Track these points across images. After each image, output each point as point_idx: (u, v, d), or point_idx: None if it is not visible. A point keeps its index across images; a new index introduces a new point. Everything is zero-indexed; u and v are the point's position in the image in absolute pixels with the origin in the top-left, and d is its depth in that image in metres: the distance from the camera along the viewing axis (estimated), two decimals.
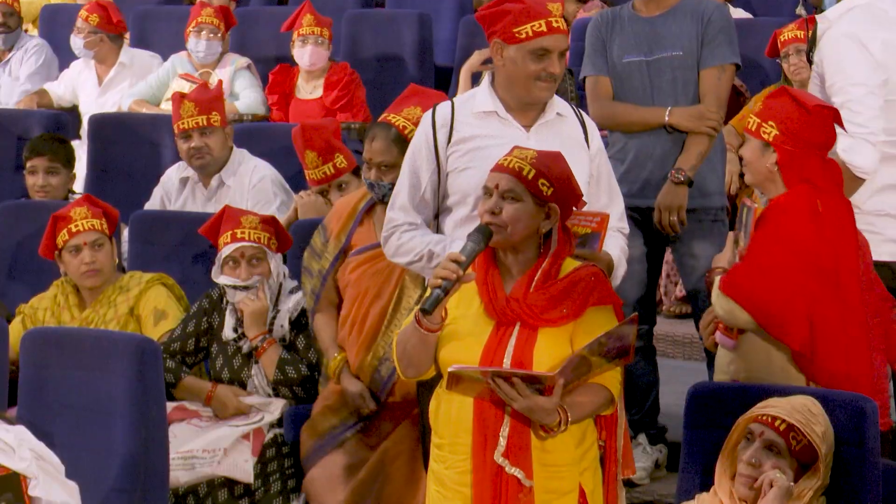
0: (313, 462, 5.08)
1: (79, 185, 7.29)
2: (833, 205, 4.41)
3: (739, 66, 5.71)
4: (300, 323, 5.35)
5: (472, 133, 4.50)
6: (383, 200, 4.90)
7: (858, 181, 4.90)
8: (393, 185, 4.70)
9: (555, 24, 4.39)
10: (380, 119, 5.09)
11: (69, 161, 6.84)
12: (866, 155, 4.88)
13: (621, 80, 5.66)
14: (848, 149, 4.84)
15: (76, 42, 8.26)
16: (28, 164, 6.76)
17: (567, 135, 4.53)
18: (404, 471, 4.93)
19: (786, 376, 4.40)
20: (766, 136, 4.36)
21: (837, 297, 4.35)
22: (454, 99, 4.67)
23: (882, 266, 4.84)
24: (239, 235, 5.35)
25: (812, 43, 5.89)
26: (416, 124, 4.73)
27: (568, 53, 4.68)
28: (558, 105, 4.56)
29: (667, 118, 5.55)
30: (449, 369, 3.93)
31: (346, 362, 5.07)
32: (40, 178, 6.72)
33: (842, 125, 4.46)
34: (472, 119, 4.52)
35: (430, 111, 4.58)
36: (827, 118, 4.42)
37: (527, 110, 4.52)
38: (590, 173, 4.52)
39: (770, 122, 4.36)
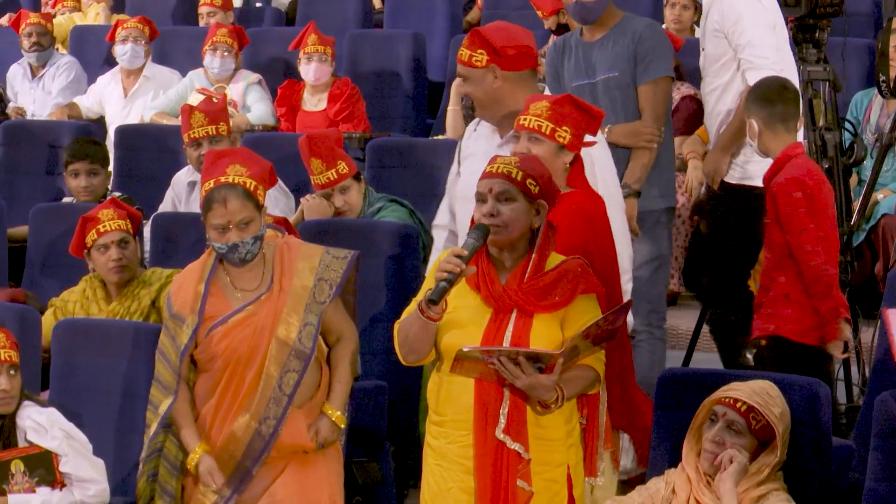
0: None
1: None
2: (596, 203, 4.50)
3: (674, 79, 5.69)
4: None
5: (471, 147, 4.75)
6: (245, 259, 4.47)
7: None
8: (256, 238, 4.42)
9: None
10: (208, 185, 4.45)
11: (105, 161, 6.82)
12: None
13: None
14: (757, 78, 5.41)
15: (131, 48, 8.23)
16: (70, 168, 6.69)
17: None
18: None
19: None
20: (561, 140, 4.38)
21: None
22: None
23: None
24: None
25: None
26: (250, 177, 4.42)
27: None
28: None
29: (605, 137, 5.42)
30: (462, 349, 3.95)
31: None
32: (83, 180, 6.66)
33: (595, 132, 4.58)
34: (480, 129, 4.77)
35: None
36: (598, 124, 4.51)
37: (503, 124, 4.68)
38: None
39: (565, 128, 4.38)
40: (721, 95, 5.87)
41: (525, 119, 4.39)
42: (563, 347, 3.95)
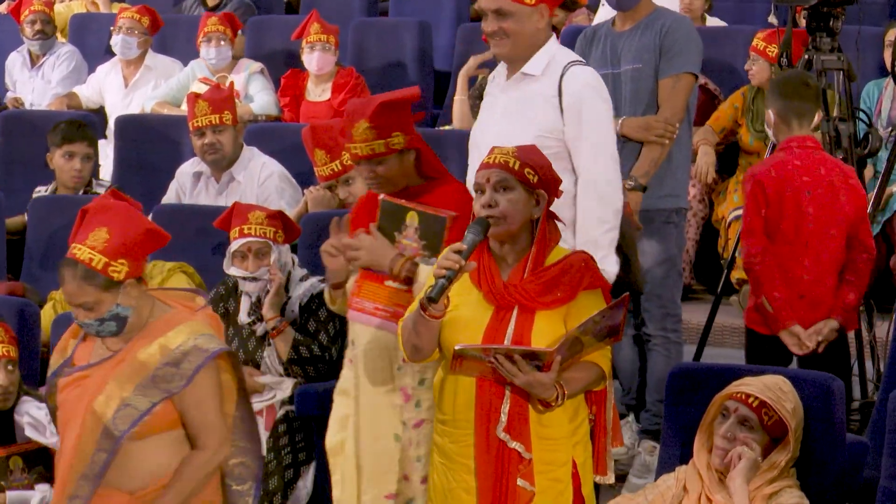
0: None
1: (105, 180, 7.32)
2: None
3: (697, 76, 5.65)
4: (310, 308, 5.37)
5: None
6: (98, 336, 4.05)
7: None
8: (103, 320, 3.99)
9: None
10: (69, 252, 4.06)
11: (97, 149, 6.82)
12: None
13: None
14: None
15: (122, 39, 8.22)
16: (65, 148, 6.67)
17: (532, 91, 4.59)
18: None
19: None
20: (397, 146, 4.36)
21: None
22: None
23: None
24: (246, 231, 5.35)
25: (785, 48, 5.97)
26: (102, 252, 3.96)
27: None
28: (532, 66, 4.61)
29: (617, 129, 5.42)
30: (455, 347, 3.93)
31: None
32: (78, 163, 6.68)
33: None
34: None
35: None
36: (417, 98, 4.48)
37: (510, 69, 4.67)
38: (560, 129, 4.56)
39: (395, 134, 4.36)
40: None
41: (355, 147, 4.36)
42: (559, 345, 3.93)
